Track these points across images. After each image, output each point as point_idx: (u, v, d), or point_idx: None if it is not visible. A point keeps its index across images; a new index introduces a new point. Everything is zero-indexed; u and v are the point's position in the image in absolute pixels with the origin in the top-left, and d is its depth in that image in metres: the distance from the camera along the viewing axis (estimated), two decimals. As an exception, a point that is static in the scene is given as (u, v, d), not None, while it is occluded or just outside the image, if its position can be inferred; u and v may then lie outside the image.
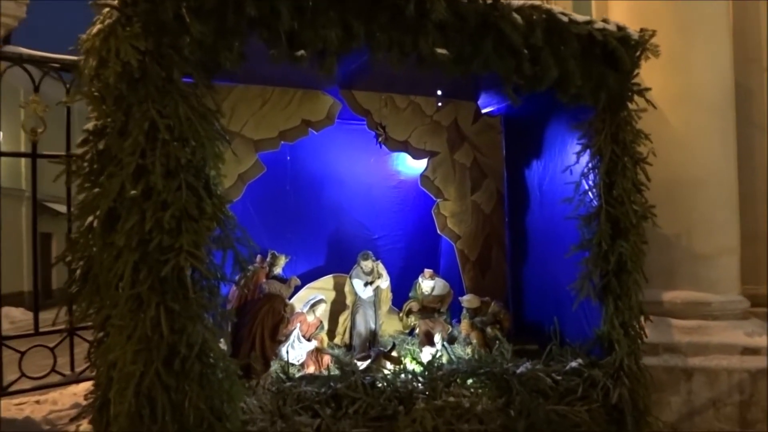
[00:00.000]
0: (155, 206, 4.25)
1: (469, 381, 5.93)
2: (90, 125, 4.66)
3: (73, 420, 6.17)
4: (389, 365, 6.33)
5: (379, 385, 5.45)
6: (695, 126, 7.04)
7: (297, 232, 7.61)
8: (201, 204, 4.47)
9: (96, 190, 4.47)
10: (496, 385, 5.86)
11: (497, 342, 7.23)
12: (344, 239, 7.93)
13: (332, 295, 7.74)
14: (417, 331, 7.64)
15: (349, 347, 7.96)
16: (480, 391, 5.76)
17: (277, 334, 5.98)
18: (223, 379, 4.46)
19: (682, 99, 7.12)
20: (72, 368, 6.88)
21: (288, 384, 5.24)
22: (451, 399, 5.51)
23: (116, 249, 4.32)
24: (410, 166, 8.58)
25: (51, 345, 6.26)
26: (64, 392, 7.97)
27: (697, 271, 7.10)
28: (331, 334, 8.02)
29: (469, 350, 7.58)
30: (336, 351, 7.78)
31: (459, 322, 7.66)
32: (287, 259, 7.28)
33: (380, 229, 8.22)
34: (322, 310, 7.52)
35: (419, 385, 5.60)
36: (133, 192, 4.22)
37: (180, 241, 4.35)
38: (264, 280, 6.59)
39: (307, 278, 7.76)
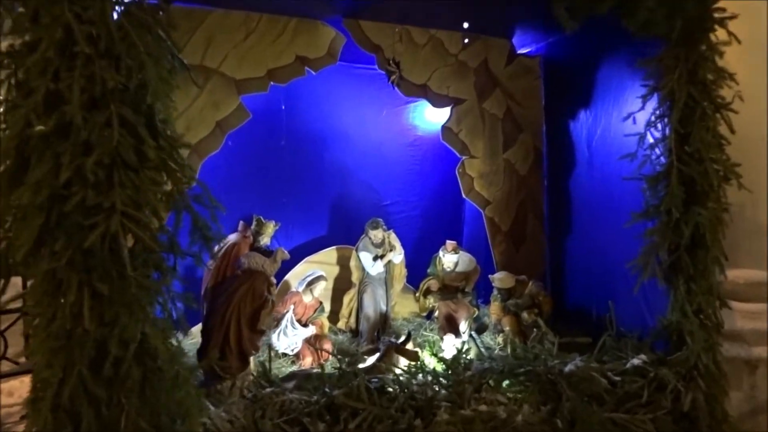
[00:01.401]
0: (74, 149, 3.08)
1: (505, 383, 4.84)
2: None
3: (23, 418, 5.02)
4: (403, 361, 5.08)
5: (390, 390, 4.34)
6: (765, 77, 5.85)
7: (293, 197, 7.08)
8: (141, 147, 3.19)
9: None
10: (540, 388, 4.79)
11: (535, 330, 6.21)
12: (350, 205, 7.34)
13: (335, 270, 7.08)
14: (436, 314, 6.81)
15: (355, 333, 6.98)
16: (519, 396, 4.68)
17: (257, 322, 4.79)
18: (173, 389, 3.22)
19: (750, 47, 5.63)
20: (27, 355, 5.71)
21: (269, 390, 4.00)
22: (483, 408, 4.47)
23: (22, 209, 3.04)
24: (429, 121, 7.66)
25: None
26: (25, 380, 6.82)
27: (763, 246, 6.00)
28: (334, 317, 7.15)
29: (500, 340, 6.55)
30: (339, 337, 6.87)
31: (487, 304, 6.95)
32: (277, 227, 6.11)
33: (393, 194, 7.61)
34: (322, 289, 6.49)
35: (441, 389, 4.49)
36: (39, 128, 2.97)
37: (111, 198, 3.10)
38: (245, 252, 5.33)
39: (306, 251, 7.07)
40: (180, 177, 3.54)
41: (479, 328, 6.38)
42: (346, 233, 7.10)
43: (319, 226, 7.41)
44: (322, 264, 6.99)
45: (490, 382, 4.75)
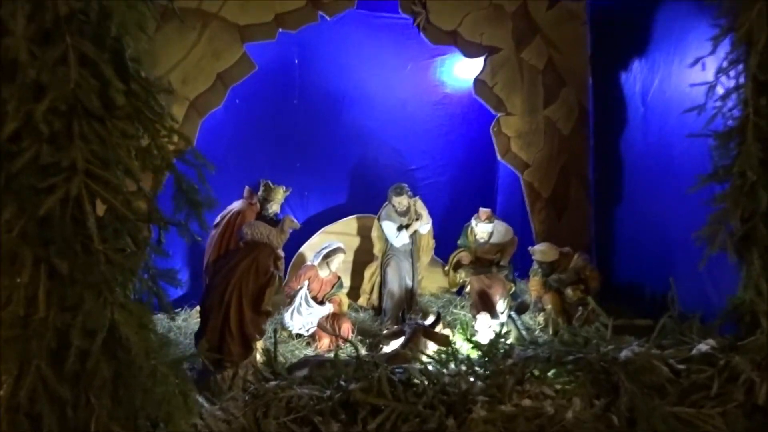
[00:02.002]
0: (22, 93, 2.48)
1: (551, 373, 4.15)
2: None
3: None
4: (431, 346, 4.45)
5: (417, 382, 3.77)
6: None
7: (309, 161, 6.69)
8: (107, 91, 2.53)
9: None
10: (592, 379, 4.09)
11: (580, 309, 5.58)
12: (371, 171, 6.94)
13: (355, 242, 6.67)
14: (467, 290, 6.42)
15: (377, 311, 6.49)
16: (568, 388, 3.98)
17: (261, 302, 4.19)
18: (154, 387, 2.61)
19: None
20: None
21: (274, 383, 3.39)
22: (527, 403, 3.78)
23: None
24: (459, 77, 7.05)
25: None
26: None
27: None
28: (354, 293, 6.65)
29: (540, 319, 5.95)
30: (360, 315, 6.36)
31: (524, 279, 6.50)
32: (287, 193, 5.50)
33: (419, 158, 7.17)
34: (340, 262, 5.93)
35: (477, 381, 3.90)
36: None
37: (71, 154, 2.48)
38: (248, 222, 4.69)
39: (323, 220, 6.73)
40: (158, 128, 2.87)
41: (520, 307, 5.69)
42: (367, 201, 6.70)
43: (338, 193, 6.95)
44: (341, 235, 6.59)
45: (535, 371, 4.07)
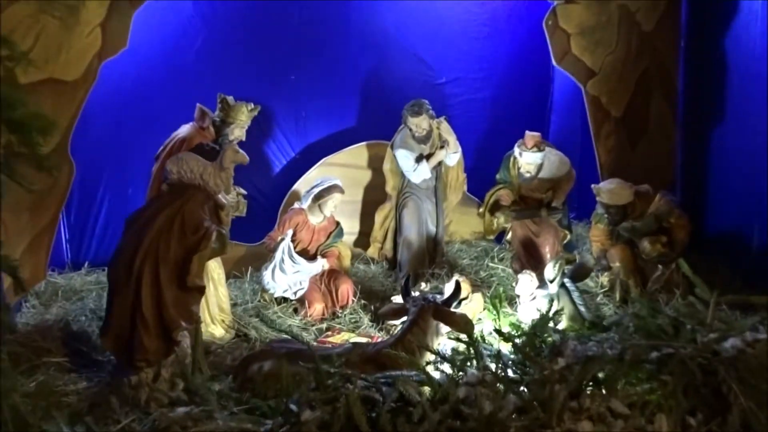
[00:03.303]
0: None
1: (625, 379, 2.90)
2: None
3: None
4: (444, 332, 3.21)
5: (414, 399, 2.50)
6: None
7: (307, 73, 5.68)
8: None
9: None
10: (687, 385, 2.88)
11: (659, 268, 4.62)
12: (388, 85, 5.90)
13: (365, 176, 5.76)
14: (509, 237, 5.45)
15: (392, 264, 5.51)
16: (650, 400, 2.80)
17: (189, 272, 2.85)
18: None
19: None
20: None
21: (183, 411, 2.18)
22: (587, 427, 2.55)
23: None
24: None
25: None
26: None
27: None
28: (364, 241, 5.67)
29: (604, 280, 4.89)
30: (372, 268, 5.50)
31: (581, 223, 5.91)
32: (254, 112, 4.28)
33: (450, 69, 6.16)
34: (335, 205, 4.85)
35: (510, 395, 2.62)
36: None
37: None
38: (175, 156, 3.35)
39: (324, 148, 5.74)
40: None
41: (578, 272, 4.35)
42: (381, 124, 5.71)
43: (344, 113, 5.92)
44: (347, 167, 5.64)
45: (601, 375, 2.83)
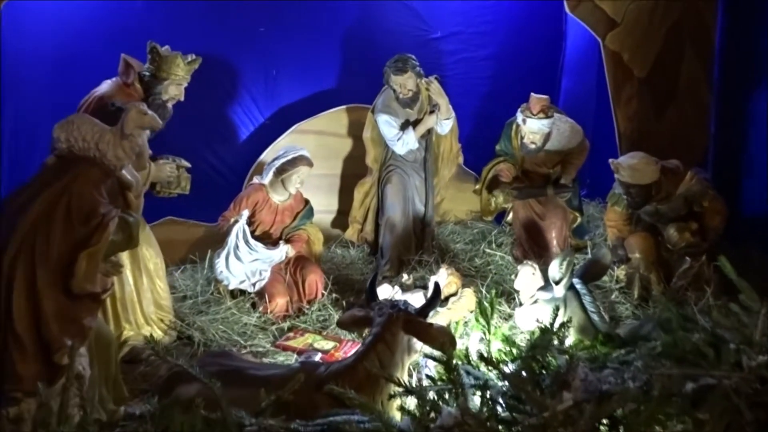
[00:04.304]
0: None
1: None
2: None
3: None
4: (419, 348, 2.65)
5: None
6: None
7: (278, 23, 5.05)
8: None
9: None
10: (730, 423, 2.01)
11: (687, 260, 3.94)
12: (374, 39, 5.30)
13: (345, 145, 5.19)
14: (509, 218, 4.94)
15: (373, 249, 4.90)
16: None
17: (73, 275, 2.16)
18: None
19: None
20: None
21: None
22: None
23: None
24: None
25: None
26: None
27: None
28: (342, 221, 5.06)
29: (620, 274, 4.27)
30: (351, 253, 4.95)
31: (594, 203, 5.43)
32: (193, 65, 3.67)
33: (445, 22, 5.60)
34: (302, 180, 4.18)
35: None
36: None
37: None
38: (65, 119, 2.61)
39: (297, 113, 5.15)
40: None
41: (591, 270, 3.56)
42: (364, 85, 5.08)
43: (321, 73, 5.27)
44: (323, 135, 5.06)
45: (618, 413, 2.13)
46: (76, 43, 4.43)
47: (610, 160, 4.00)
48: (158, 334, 3.48)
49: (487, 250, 4.84)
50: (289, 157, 4.06)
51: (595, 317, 2.98)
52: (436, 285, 2.71)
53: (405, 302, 2.68)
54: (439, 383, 2.49)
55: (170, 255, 4.49)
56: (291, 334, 3.66)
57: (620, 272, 4.24)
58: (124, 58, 3.34)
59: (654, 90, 5.03)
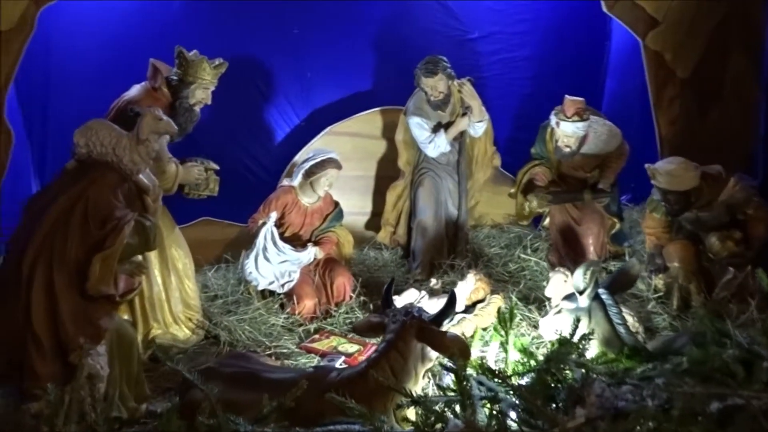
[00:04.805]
0: None
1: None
2: None
3: None
4: (433, 357, 2.63)
5: None
6: None
7: (313, 25, 5.01)
8: None
9: None
10: None
11: (730, 271, 3.72)
12: (410, 40, 5.18)
13: (380, 147, 5.10)
14: (546, 222, 4.76)
15: (405, 253, 4.83)
16: None
17: (88, 277, 2.20)
18: None
19: None
20: None
21: None
22: None
23: None
24: None
25: None
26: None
27: None
28: (377, 223, 4.99)
29: (659, 283, 4.03)
30: (384, 255, 4.89)
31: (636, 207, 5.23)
32: (220, 69, 3.66)
33: (483, 21, 5.44)
34: (331, 183, 4.14)
35: None
36: None
37: None
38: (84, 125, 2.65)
39: (332, 115, 5.11)
40: None
41: (618, 280, 3.35)
42: (399, 87, 4.94)
43: (356, 74, 5.22)
44: (357, 137, 5.00)
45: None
46: (119, 45, 4.50)
47: (647, 165, 3.82)
48: (186, 333, 3.53)
49: (522, 255, 4.70)
50: (318, 160, 4.06)
51: (621, 329, 2.83)
52: (452, 293, 2.64)
53: (419, 309, 2.64)
54: (449, 393, 2.45)
55: (205, 254, 4.57)
56: (317, 336, 3.65)
57: (658, 281, 4.01)
58: (153, 63, 3.40)
59: (698, 91, 4.72)
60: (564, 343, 2.58)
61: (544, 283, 4.04)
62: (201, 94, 3.38)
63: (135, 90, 3.34)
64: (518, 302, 3.86)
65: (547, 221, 4.73)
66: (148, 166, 2.53)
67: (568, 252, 4.43)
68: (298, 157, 4.83)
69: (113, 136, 2.42)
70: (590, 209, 4.49)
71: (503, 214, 5.30)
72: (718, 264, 3.86)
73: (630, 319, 3.44)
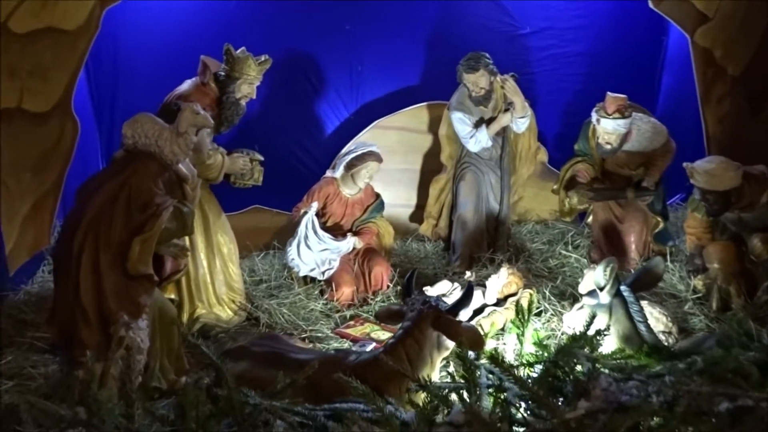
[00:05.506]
0: None
1: None
2: None
3: None
4: (450, 346, 2.69)
5: None
6: None
7: (364, 20, 5.04)
8: None
9: None
10: None
11: None
12: (460, 35, 5.11)
13: (426, 141, 5.09)
14: (589, 219, 4.68)
15: (446, 245, 4.84)
16: None
17: (128, 258, 2.41)
18: None
19: None
20: None
21: None
22: None
23: None
24: None
25: None
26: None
27: None
28: (420, 215, 5.02)
29: (698, 283, 3.94)
30: (427, 247, 4.89)
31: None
32: (265, 66, 3.79)
33: (534, 16, 5.35)
34: (371, 175, 4.25)
35: None
36: None
37: None
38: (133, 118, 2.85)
39: (380, 109, 5.11)
40: None
41: (641, 279, 3.27)
42: (447, 82, 4.82)
43: (405, 69, 5.21)
44: (403, 131, 5.02)
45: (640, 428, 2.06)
46: (180, 41, 4.66)
47: (685, 164, 3.70)
48: (228, 313, 3.73)
49: (563, 252, 4.63)
50: (359, 153, 4.17)
51: (641, 327, 2.80)
52: (469, 285, 2.71)
53: (437, 299, 2.72)
54: (459, 380, 2.52)
55: (254, 241, 4.77)
56: (352, 323, 3.78)
57: (698, 282, 3.90)
58: (203, 59, 3.60)
59: (749, 89, 4.54)
60: (575, 337, 2.61)
61: (581, 280, 4.02)
62: (246, 89, 3.56)
63: (186, 85, 3.56)
64: (551, 297, 3.86)
65: (590, 218, 4.64)
66: (187, 156, 2.73)
67: (610, 249, 4.36)
68: (343, 150, 4.86)
69: (156, 128, 2.64)
70: (633, 207, 4.41)
71: (548, 210, 5.23)
72: (761, 266, 3.70)
73: (663, 319, 3.41)
